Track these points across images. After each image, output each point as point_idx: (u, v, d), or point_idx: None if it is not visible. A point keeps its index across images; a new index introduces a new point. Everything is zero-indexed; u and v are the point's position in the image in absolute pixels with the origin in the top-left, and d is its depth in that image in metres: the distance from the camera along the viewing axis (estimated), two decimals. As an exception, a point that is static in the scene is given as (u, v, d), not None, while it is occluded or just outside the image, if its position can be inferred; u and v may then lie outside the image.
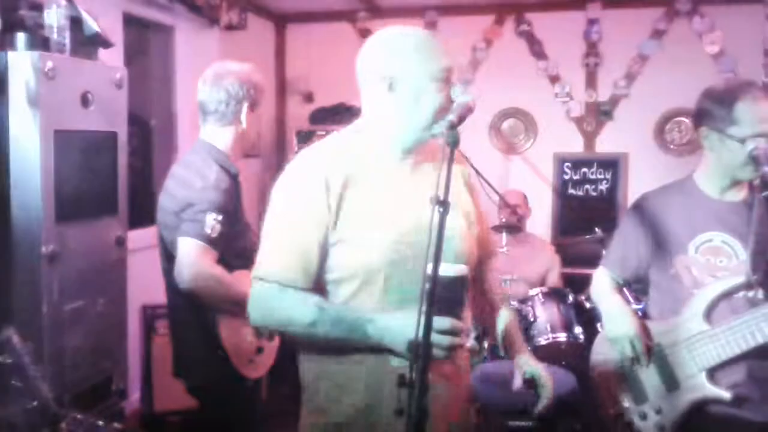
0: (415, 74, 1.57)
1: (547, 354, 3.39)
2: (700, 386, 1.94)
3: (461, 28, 5.09)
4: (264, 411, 2.72)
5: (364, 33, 5.30)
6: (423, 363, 1.27)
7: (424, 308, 1.29)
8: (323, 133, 4.95)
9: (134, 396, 3.77)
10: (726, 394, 1.90)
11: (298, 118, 5.37)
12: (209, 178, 2.22)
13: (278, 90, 5.48)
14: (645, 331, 2.03)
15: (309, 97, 5.44)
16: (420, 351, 1.27)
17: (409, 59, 1.57)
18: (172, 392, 3.11)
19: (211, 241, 2.14)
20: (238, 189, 2.36)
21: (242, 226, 2.36)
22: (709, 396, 1.93)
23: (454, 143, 1.40)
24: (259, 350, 2.34)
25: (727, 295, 1.93)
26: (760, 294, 1.91)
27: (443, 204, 1.35)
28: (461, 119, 1.46)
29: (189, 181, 2.25)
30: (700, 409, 1.96)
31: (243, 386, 2.32)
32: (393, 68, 1.58)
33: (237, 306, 2.07)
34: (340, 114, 5.11)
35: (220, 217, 2.16)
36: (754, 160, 1.79)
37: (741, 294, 1.93)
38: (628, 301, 2.28)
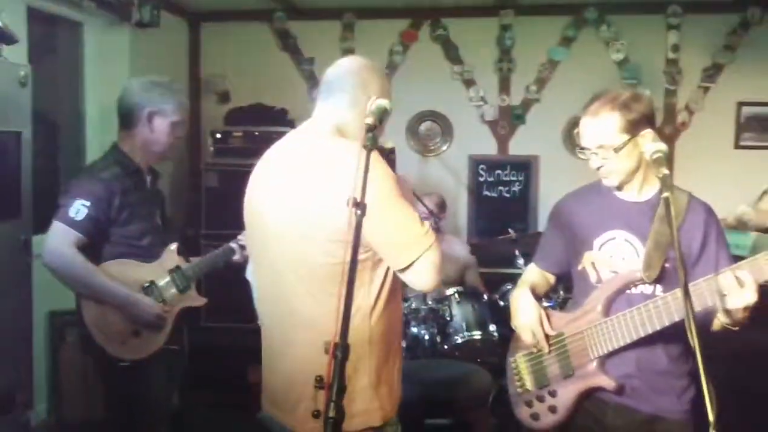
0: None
1: (463, 352, 3.47)
2: (591, 374, 2.04)
3: (378, 30, 5.14)
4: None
5: (282, 33, 5.27)
6: (340, 364, 1.27)
7: (342, 308, 1.30)
8: (240, 134, 4.89)
9: (41, 406, 3.61)
10: (612, 383, 2.00)
11: (213, 119, 5.27)
12: (92, 170, 2.48)
13: (192, 90, 5.35)
14: (550, 321, 2.13)
15: (225, 97, 5.35)
16: (338, 352, 1.27)
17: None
18: (82, 401, 3.00)
19: (74, 224, 2.34)
20: (138, 185, 2.54)
21: (139, 217, 2.51)
22: (598, 384, 2.03)
23: (372, 145, 1.42)
24: (136, 333, 2.47)
25: (625, 289, 2.04)
26: (658, 290, 2.00)
27: (360, 206, 1.36)
28: (378, 122, 1.49)
29: (80, 173, 2.51)
30: (590, 395, 2.06)
31: (116, 366, 2.45)
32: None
33: (85, 288, 2.40)
34: (258, 114, 5.06)
35: (88, 203, 2.35)
36: (656, 163, 1.88)
37: (638, 289, 2.03)
38: (543, 296, 2.37)
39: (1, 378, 2.58)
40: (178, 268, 2.61)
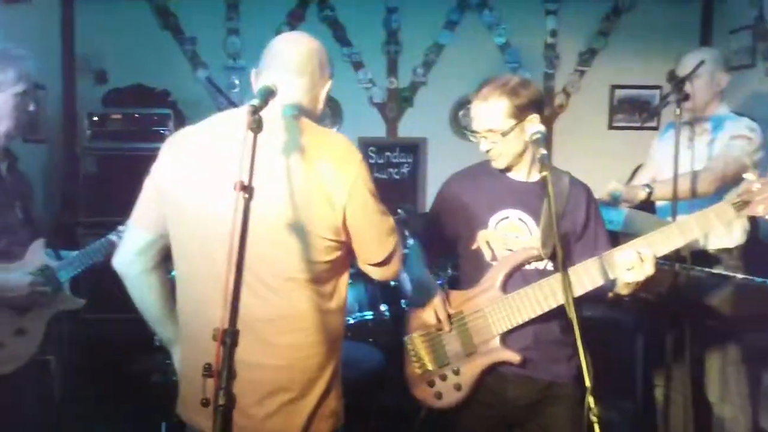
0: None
1: (355, 332, 3.49)
2: (494, 350, 2.12)
3: (264, 10, 5.03)
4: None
5: (161, 11, 5.06)
6: (230, 351, 1.25)
7: (230, 298, 1.27)
8: (119, 116, 4.66)
9: None
10: (517, 357, 2.09)
11: (89, 100, 4.99)
12: None
13: (66, 68, 5.04)
14: (449, 300, 2.18)
15: (101, 77, 5.07)
16: (226, 339, 1.24)
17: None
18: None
19: None
20: None
21: None
22: (503, 359, 2.11)
23: (257, 128, 1.39)
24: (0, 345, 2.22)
25: (522, 266, 2.13)
26: (549, 266, 2.12)
27: (248, 189, 1.34)
28: (264, 103, 1.46)
29: None
30: (492, 369, 2.14)
31: None
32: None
33: None
34: (138, 96, 4.83)
35: None
36: (535, 143, 1.97)
37: (533, 266, 2.13)
38: (435, 274, 2.43)
39: None
40: (47, 267, 2.37)
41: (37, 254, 2.38)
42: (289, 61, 1.75)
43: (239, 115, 1.62)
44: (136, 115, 4.65)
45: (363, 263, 1.77)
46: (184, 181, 1.68)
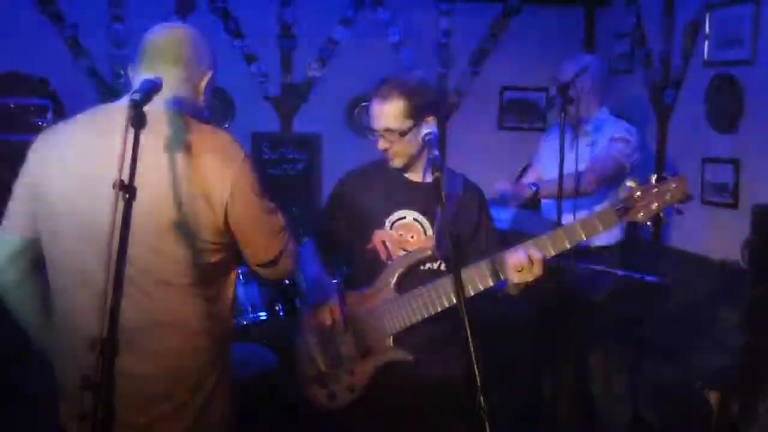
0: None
1: (249, 334, 3.42)
2: (388, 350, 2.13)
3: (152, 1, 4.82)
4: None
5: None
6: (109, 361, 1.18)
7: (109, 305, 1.20)
8: (-9, 106, 4.35)
9: None
10: (410, 356, 2.11)
11: (-42, 88, 4.63)
12: None
13: (-68, 53, 4.66)
14: (343, 300, 2.16)
15: (-27, 64, 4.72)
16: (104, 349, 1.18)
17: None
18: None
19: None
20: None
21: None
22: (396, 358, 2.12)
23: (139, 123, 1.32)
24: None
25: (416, 266, 2.14)
26: (443, 266, 2.15)
27: (129, 189, 1.27)
28: (147, 98, 1.39)
29: None
30: (386, 369, 2.14)
31: None
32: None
33: None
34: (13, 84, 4.52)
35: None
36: (428, 144, 1.99)
37: (427, 266, 2.15)
38: (331, 273, 2.41)
39: None
40: None
41: None
42: (162, 50, 1.67)
43: (118, 109, 1.53)
44: (12, 105, 4.36)
45: (251, 264, 1.73)
46: (55, 179, 1.58)
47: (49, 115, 4.35)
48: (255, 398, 2.98)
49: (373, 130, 2.12)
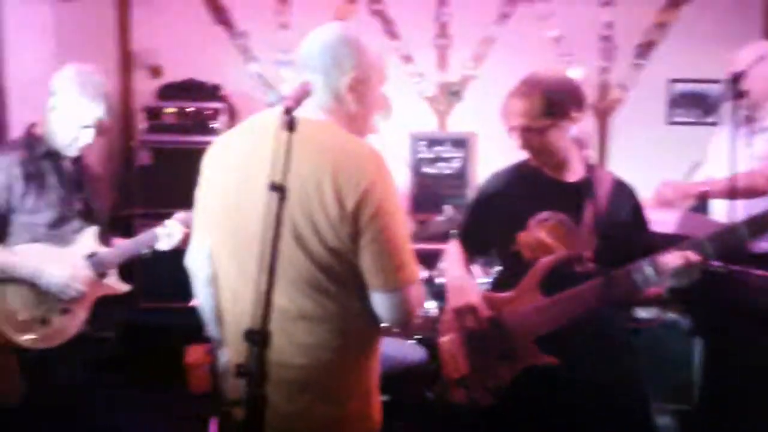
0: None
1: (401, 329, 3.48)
2: (531, 353, 2.07)
3: (313, 5, 5.04)
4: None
5: (213, 5, 5.12)
6: (260, 351, 1.25)
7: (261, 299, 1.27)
8: (173, 109, 4.76)
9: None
10: (554, 360, 2.04)
11: (145, 94, 5.10)
12: None
13: (122, 64, 5.16)
14: (486, 302, 2.13)
15: (157, 72, 5.18)
16: (257, 340, 1.25)
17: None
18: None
19: None
20: (52, 168, 2.44)
21: (50, 203, 2.42)
22: (540, 362, 2.06)
23: (290, 127, 1.38)
24: (44, 321, 2.40)
25: (561, 269, 2.07)
26: (589, 269, 2.05)
27: (280, 189, 1.34)
28: (298, 102, 1.45)
29: None
30: (529, 372, 2.09)
31: (23, 355, 2.39)
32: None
33: None
34: (191, 90, 4.92)
35: None
36: (578, 144, 1.92)
37: (573, 269, 2.07)
38: (473, 275, 2.40)
39: None
40: (94, 254, 2.52)
41: (88, 240, 2.52)
42: (308, 56, 1.70)
43: (273, 114, 1.61)
44: (189, 109, 4.74)
45: (369, 285, 1.61)
46: (218, 183, 1.71)
47: (222, 118, 4.69)
48: (401, 393, 3.04)
49: (512, 128, 2.08)
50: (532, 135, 2.02)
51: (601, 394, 2.08)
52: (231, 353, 1.74)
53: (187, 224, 2.64)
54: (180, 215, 2.69)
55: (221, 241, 1.71)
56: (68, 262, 2.44)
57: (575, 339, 2.06)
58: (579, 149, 1.91)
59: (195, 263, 1.84)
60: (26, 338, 2.37)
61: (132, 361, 3.98)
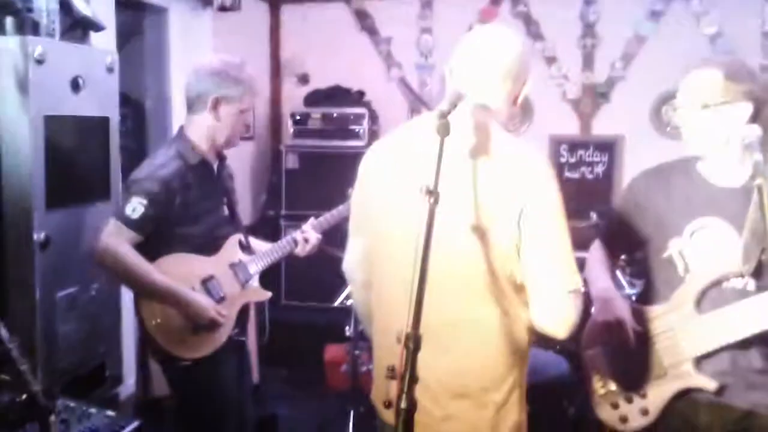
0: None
1: (541, 339, 3.40)
2: (686, 374, 1.93)
3: (457, 8, 5.04)
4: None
5: (360, 14, 5.26)
6: (412, 355, 1.26)
7: (414, 302, 1.28)
8: (318, 115, 4.94)
9: (130, 381, 3.77)
10: (712, 384, 1.89)
11: (293, 100, 5.34)
12: (153, 164, 2.34)
13: (273, 71, 5.43)
14: (635, 316, 2.01)
15: (304, 79, 5.40)
16: (410, 343, 1.26)
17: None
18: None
19: (128, 222, 2.26)
20: (204, 177, 2.41)
21: (205, 212, 2.41)
22: (696, 385, 1.92)
23: (444, 132, 1.39)
24: (195, 331, 2.37)
25: (718, 283, 1.90)
26: (751, 284, 1.87)
27: (433, 194, 1.34)
28: (453, 107, 1.45)
29: (141, 166, 2.37)
30: (684, 395, 1.95)
31: (177, 366, 2.39)
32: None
33: (137, 287, 2.32)
34: (336, 96, 5.09)
35: (145, 202, 2.25)
36: (748, 148, 1.77)
37: (732, 283, 1.89)
38: (620, 286, 2.27)
39: (92, 354, 2.69)
40: (239, 261, 2.51)
41: (233, 248, 2.52)
42: (487, 61, 1.66)
43: (428, 118, 1.62)
44: (334, 115, 4.90)
45: (530, 298, 1.60)
46: (375, 187, 1.75)
47: (365, 123, 4.81)
48: (541, 405, 2.97)
49: (680, 108, 1.91)
50: (699, 113, 1.87)
51: (760, 423, 1.90)
52: (382, 355, 1.76)
53: (320, 229, 2.69)
54: (313, 221, 2.69)
55: (377, 245, 1.75)
56: (216, 271, 2.44)
57: (740, 361, 1.91)
58: (747, 152, 1.75)
59: (350, 266, 1.88)
60: (181, 350, 2.36)
61: (275, 357, 4.15)
